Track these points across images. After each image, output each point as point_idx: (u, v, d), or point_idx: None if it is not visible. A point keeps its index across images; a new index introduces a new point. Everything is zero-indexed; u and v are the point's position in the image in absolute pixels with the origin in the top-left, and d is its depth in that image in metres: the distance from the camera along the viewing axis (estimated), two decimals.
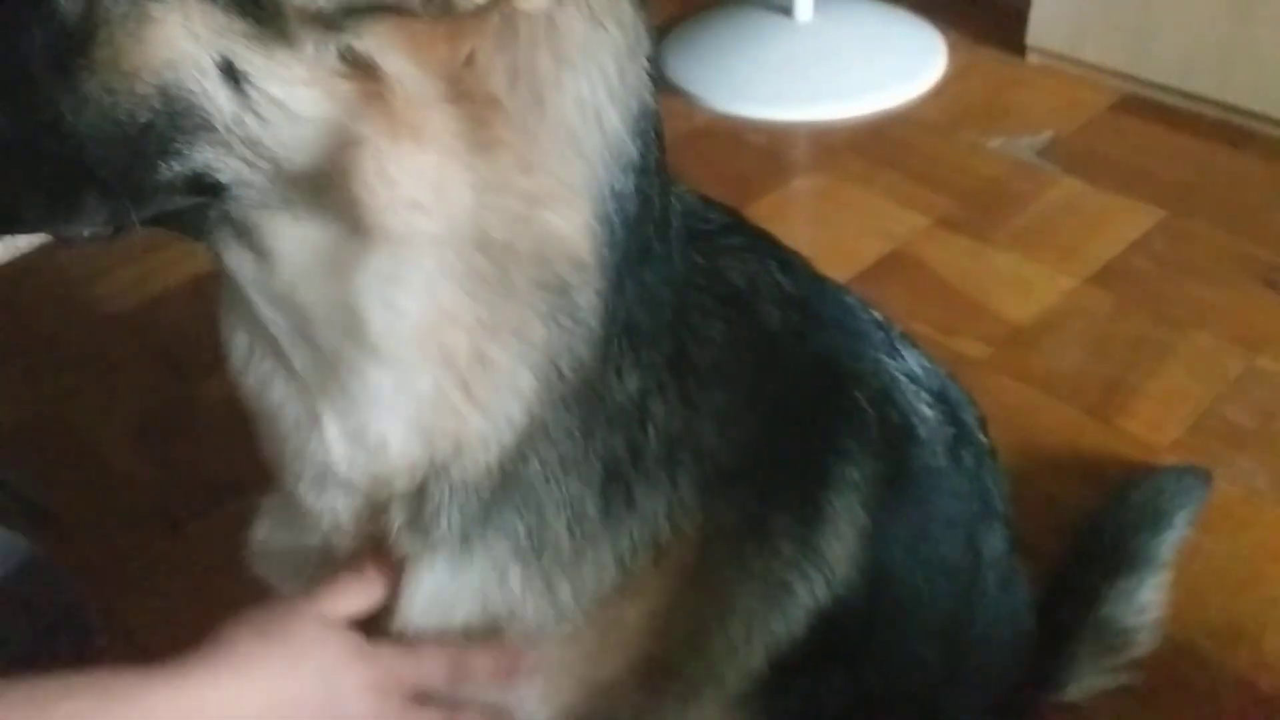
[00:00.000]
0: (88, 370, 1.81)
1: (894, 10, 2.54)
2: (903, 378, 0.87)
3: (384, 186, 0.58)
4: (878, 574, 0.81)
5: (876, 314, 0.93)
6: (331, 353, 0.65)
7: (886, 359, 0.87)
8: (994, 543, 0.95)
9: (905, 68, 2.38)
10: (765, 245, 0.84)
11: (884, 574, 0.82)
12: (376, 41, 0.56)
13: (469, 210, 0.61)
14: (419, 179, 0.58)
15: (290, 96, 0.56)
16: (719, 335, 0.74)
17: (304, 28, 0.55)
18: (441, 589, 0.71)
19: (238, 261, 0.65)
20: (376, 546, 0.72)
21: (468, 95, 0.58)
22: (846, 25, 2.49)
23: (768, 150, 2.20)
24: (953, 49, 2.42)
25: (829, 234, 1.99)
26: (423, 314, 0.63)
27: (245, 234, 0.62)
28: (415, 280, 0.62)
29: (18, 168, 0.58)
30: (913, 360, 0.90)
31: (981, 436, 0.96)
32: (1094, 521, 1.35)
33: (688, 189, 0.80)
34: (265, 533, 0.81)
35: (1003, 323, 1.75)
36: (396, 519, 0.71)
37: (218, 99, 0.55)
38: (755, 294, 0.78)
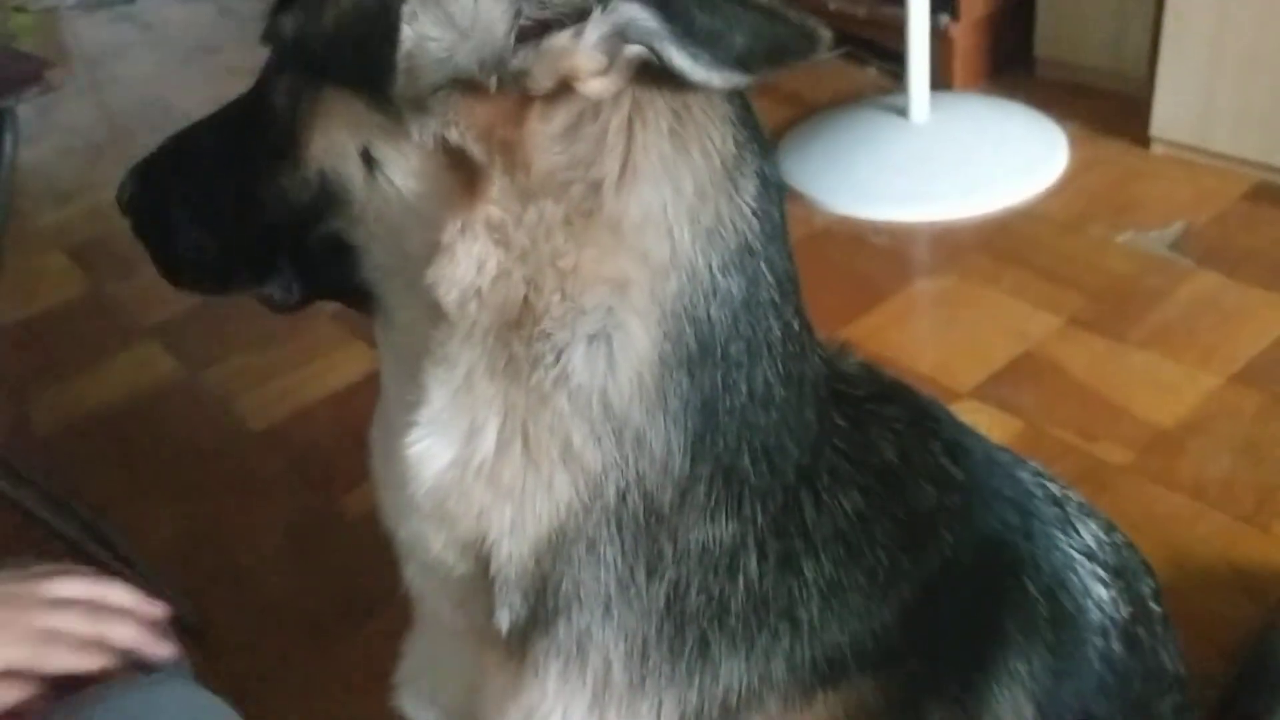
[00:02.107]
0: (233, 487, 1.87)
1: (1011, 105, 2.54)
2: (1078, 556, 0.81)
3: (450, 267, 0.63)
4: None
5: (1054, 486, 0.87)
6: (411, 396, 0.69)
7: (1060, 535, 0.81)
8: (1167, 714, 0.89)
9: (1027, 163, 2.36)
10: (930, 422, 0.78)
11: None
12: (457, 124, 0.61)
13: (510, 299, 0.63)
14: (476, 266, 0.62)
15: (405, 182, 0.63)
16: (850, 506, 0.69)
17: (408, 113, 0.62)
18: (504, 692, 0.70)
19: (378, 327, 0.73)
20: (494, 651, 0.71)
21: (528, 189, 0.61)
22: (963, 123, 2.49)
23: (891, 251, 2.19)
24: (1074, 142, 2.40)
25: (958, 335, 1.97)
26: (458, 389, 0.66)
27: (378, 299, 0.70)
28: (460, 357, 0.65)
29: (239, 238, 0.72)
30: (1089, 534, 0.84)
31: (1156, 607, 0.90)
32: (1259, 640, 1.29)
33: (856, 357, 0.79)
34: (408, 673, 0.83)
35: (1145, 426, 1.70)
36: (484, 611, 0.70)
37: (357, 180, 0.65)
38: (909, 469, 0.73)
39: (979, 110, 2.55)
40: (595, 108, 0.60)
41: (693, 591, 0.66)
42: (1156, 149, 2.33)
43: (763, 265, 0.65)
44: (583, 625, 0.67)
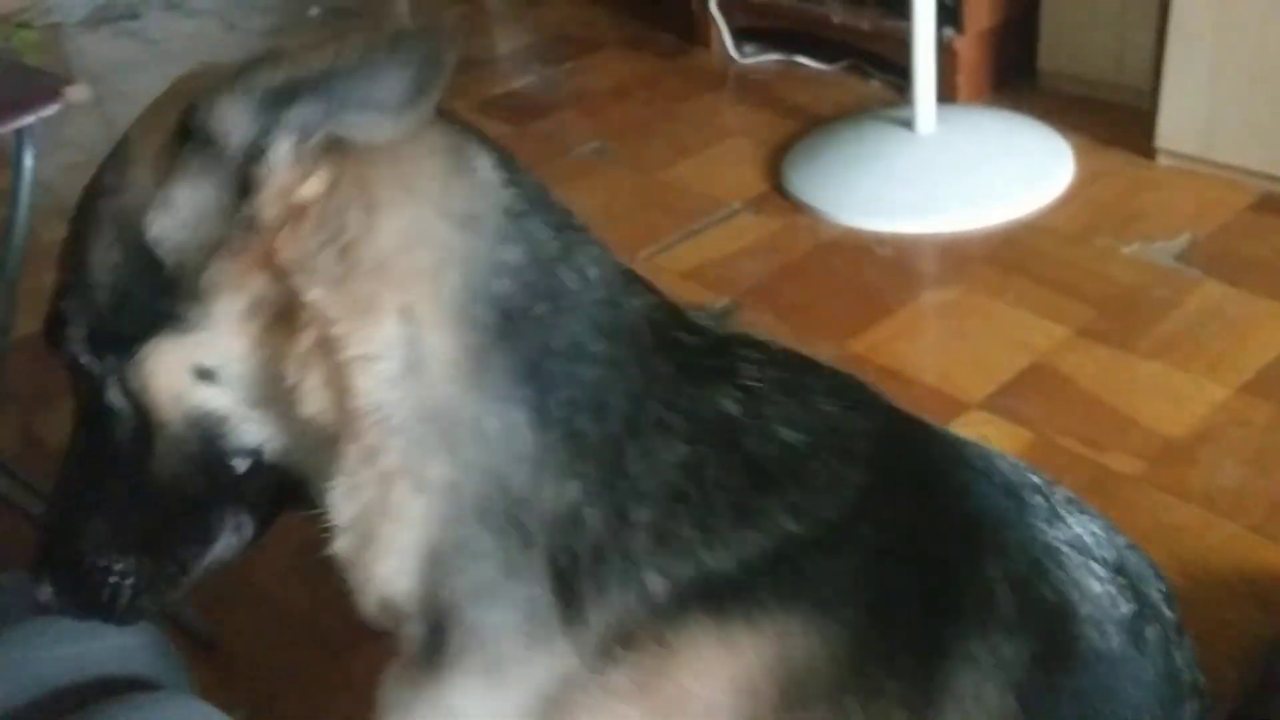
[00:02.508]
0: None
1: (1015, 117, 2.55)
2: (1064, 547, 0.80)
3: (303, 400, 0.68)
4: None
5: (1037, 478, 0.85)
6: None
7: (1042, 525, 0.80)
8: None
9: (1032, 175, 2.37)
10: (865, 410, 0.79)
11: None
12: (252, 282, 0.67)
13: (342, 387, 0.67)
14: (318, 376, 0.68)
15: (241, 369, 0.69)
16: (675, 458, 0.70)
17: (212, 304, 0.67)
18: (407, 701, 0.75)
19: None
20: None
21: (294, 289, 0.67)
22: (969, 135, 2.50)
23: (896, 263, 2.20)
24: (1079, 154, 2.41)
25: (965, 347, 1.97)
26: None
27: (307, 470, 0.74)
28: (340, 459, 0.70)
29: (164, 529, 0.75)
30: (1080, 527, 0.82)
31: (1168, 612, 0.87)
32: (1270, 650, 1.30)
33: (695, 306, 0.79)
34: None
35: (1155, 436, 1.71)
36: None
37: (213, 399, 0.70)
38: (758, 422, 0.73)
39: (984, 123, 2.56)
40: (328, 196, 0.65)
41: (559, 552, 0.69)
42: (1161, 160, 2.33)
43: (533, 226, 0.70)
44: (475, 619, 0.70)
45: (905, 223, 2.27)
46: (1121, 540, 0.88)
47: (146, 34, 4.12)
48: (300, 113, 0.62)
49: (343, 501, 0.71)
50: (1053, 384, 1.84)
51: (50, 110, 1.23)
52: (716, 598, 0.70)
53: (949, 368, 1.93)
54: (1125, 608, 0.81)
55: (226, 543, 0.77)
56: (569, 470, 0.69)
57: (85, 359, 0.71)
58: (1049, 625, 0.77)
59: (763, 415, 0.73)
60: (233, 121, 0.63)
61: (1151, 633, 0.83)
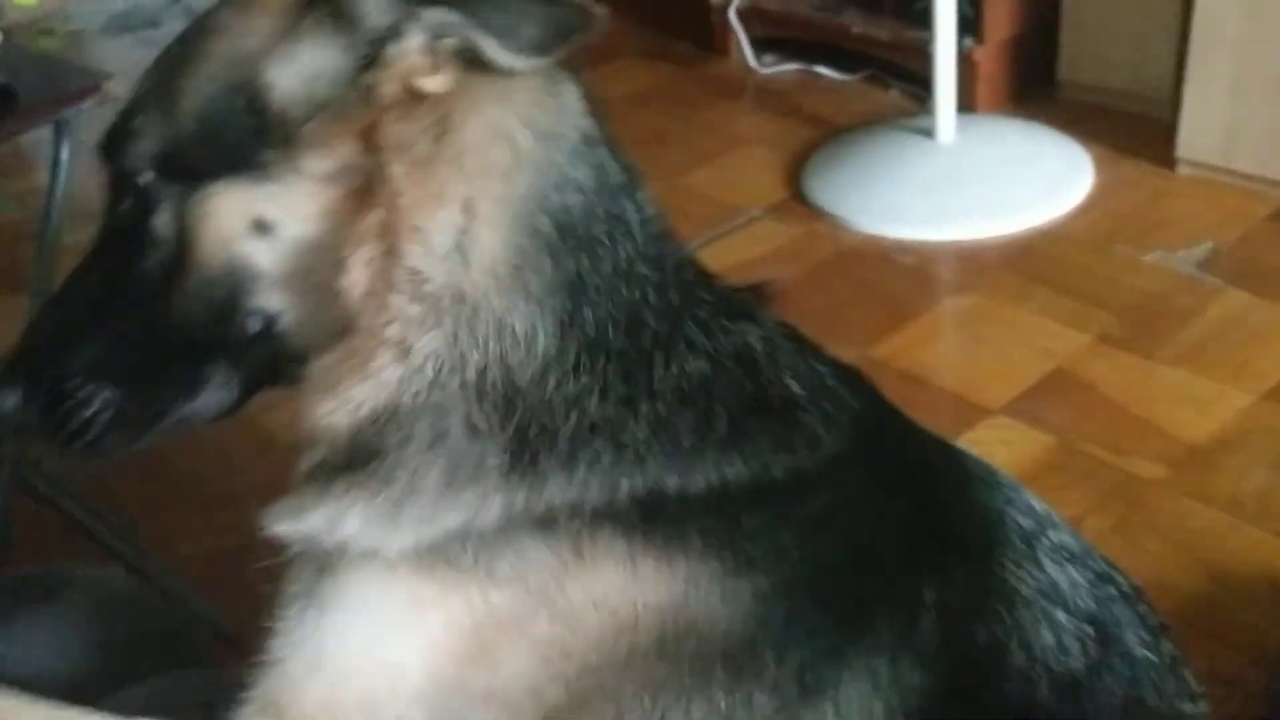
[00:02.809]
0: (265, 498, 1.87)
1: (1036, 127, 2.55)
2: (1026, 592, 0.76)
3: (347, 276, 0.70)
4: None
5: (1038, 512, 0.81)
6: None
7: (1009, 565, 0.77)
8: None
9: (1052, 183, 2.37)
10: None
11: None
12: (345, 147, 0.70)
13: (386, 269, 0.70)
14: (366, 261, 0.70)
15: (303, 229, 0.71)
16: (697, 370, 0.73)
17: (300, 158, 0.70)
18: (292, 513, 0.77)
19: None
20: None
21: (380, 164, 0.70)
22: (989, 144, 2.51)
23: (917, 270, 2.20)
24: (1099, 163, 2.41)
25: (986, 353, 1.98)
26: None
27: (298, 347, 0.75)
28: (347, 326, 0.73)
29: (160, 368, 0.75)
30: (1061, 574, 0.79)
31: (1150, 655, 0.80)
32: None
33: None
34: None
35: (1178, 443, 1.70)
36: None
37: (259, 252, 0.72)
38: (771, 360, 0.76)
39: (1004, 132, 2.57)
40: (443, 93, 0.69)
41: (536, 430, 0.71)
42: (1182, 170, 2.34)
43: (605, 153, 0.74)
44: (396, 462, 0.72)
45: (926, 230, 2.27)
46: (1111, 590, 0.82)
47: (166, 42, 4.15)
48: (439, 15, 0.66)
49: (326, 362, 0.73)
50: (1075, 390, 1.84)
51: (90, 104, 1.24)
52: (653, 520, 0.71)
53: (970, 373, 1.93)
54: (1078, 661, 0.77)
55: (208, 400, 0.77)
56: (584, 371, 0.71)
57: (145, 179, 0.72)
58: (966, 667, 0.74)
59: (776, 361, 0.76)
60: (375, 4, 0.68)
61: (1109, 682, 0.78)
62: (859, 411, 0.78)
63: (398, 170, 0.69)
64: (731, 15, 3.02)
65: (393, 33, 0.67)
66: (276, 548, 0.80)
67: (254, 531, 1.88)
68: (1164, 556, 1.50)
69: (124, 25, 4.30)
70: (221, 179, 0.71)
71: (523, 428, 0.71)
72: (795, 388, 0.76)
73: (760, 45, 3.03)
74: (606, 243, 0.73)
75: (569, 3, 0.67)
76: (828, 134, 2.65)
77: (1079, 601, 0.79)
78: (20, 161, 3.36)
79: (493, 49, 0.66)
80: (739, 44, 3.04)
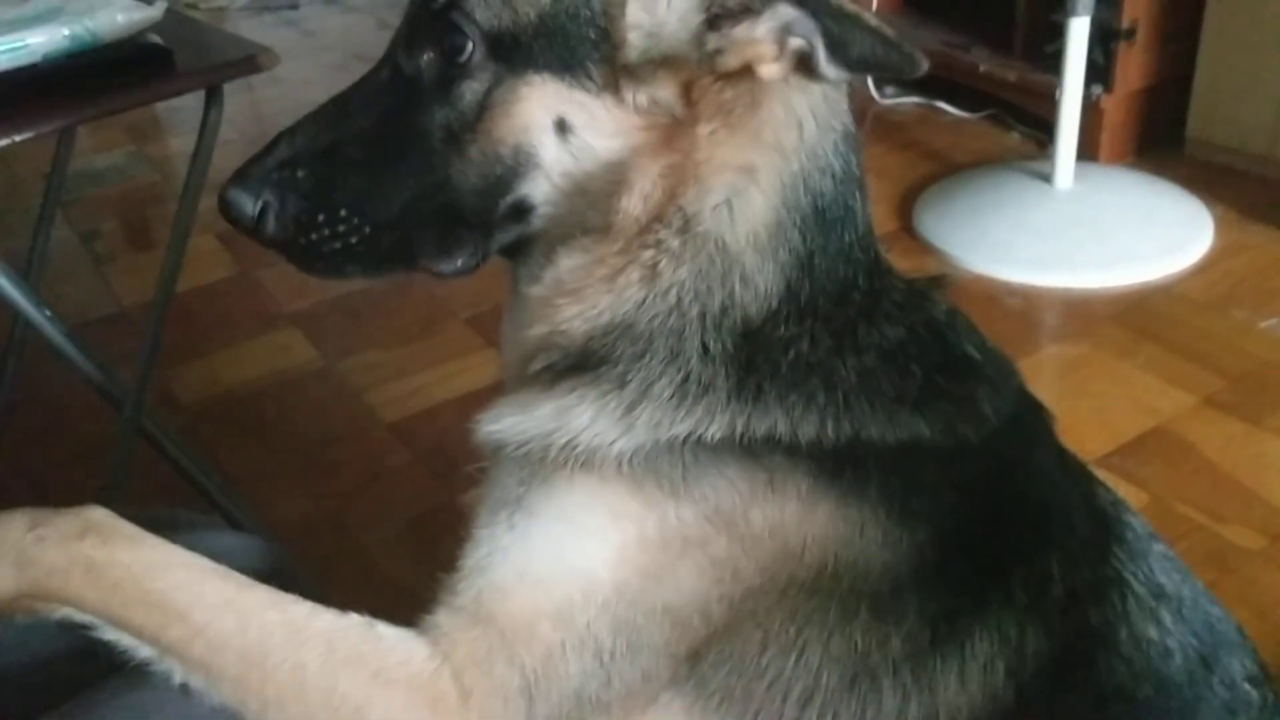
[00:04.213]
0: (361, 473, 1.93)
1: (1158, 182, 2.51)
2: (1139, 588, 0.82)
3: (629, 199, 0.76)
4: None
5: (1139, 524, 0.87)
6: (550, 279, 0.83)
7: (1124, 559, 0.83)
8: None
9: (1169, 240, 2.33)
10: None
11: None
12: (666, 90, 0.75)
13: (660, 204, 0.77)
14: (645, 194, 0.77)
15: (598, 142, 0.76)
16: (895, 334, 0.80)
17: (621, 82, 0.75)
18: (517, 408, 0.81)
19: (526, 267, 0.84)
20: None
21: (693, 118, 0.76)
22: (1107, 194, 2.47)
23: (1023, 314, 2.18)
24: (1221, 224, 2.36)
25: (1086, 404, 1.95)
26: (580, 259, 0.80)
27: (535, 240, 0.82)
28: (598, 246, 0.79)
29: (418, 219, 0.79)
30: (1167, 579, 0.84)
31: (1249, 687, 0.84)
32: None
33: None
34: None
35: (1279, 514, 1.66)
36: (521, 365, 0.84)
37: (549, 147, 0.77)
38: (953, 330, 0.84)
39: (1124, 183, 2.53)
40: (771, 81, 0.75)
41: (759, 357, 0.78)
42: None
43: (853, 149, 0.82)
44: (629, 370, 0.78)
45: (1035, 275, 2.25)
46: (1216, 610, 0.87)
47: (304, 24, 4.28)
48: (794, 13, 0.71)
49: (573, 264, 0.79)
50: (1176, 450, 1.81)
51: (245, 72, 1.29)
52: (843, 465, 0.77)
53: (1069, 422, 1.85)
54: (1180, 669, 0.81)
55: (453, 262, 0.81)
56: (794, 324, 0.78)
57: (471, 50, 0.75)
58: (1080, 642, 0.79)
59: (958, 331, 0.85)
60: None
61: (1208, 699, 0.82)
62: (1022, 388, 0.87)
63: (704, 129, 0.76)
64: None
65: (749, 11, 0.72)
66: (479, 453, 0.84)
67: (344, 500, 1.94)
68: (1252, 627, 1.45)
69: (265, 6, 4.44)
70: (545, 72, 0.75)
71: (751, 356, 0.77)
72: (976, 354, 0.85)
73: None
74: (839, 228, 0.80)
75: (902, 47, 0.71)
76: (943, 170, 2.64)
77: (1184, 612, 0.84)
78: (156, 128, 3.49)
79: (824, 62, 0.72)
80: None
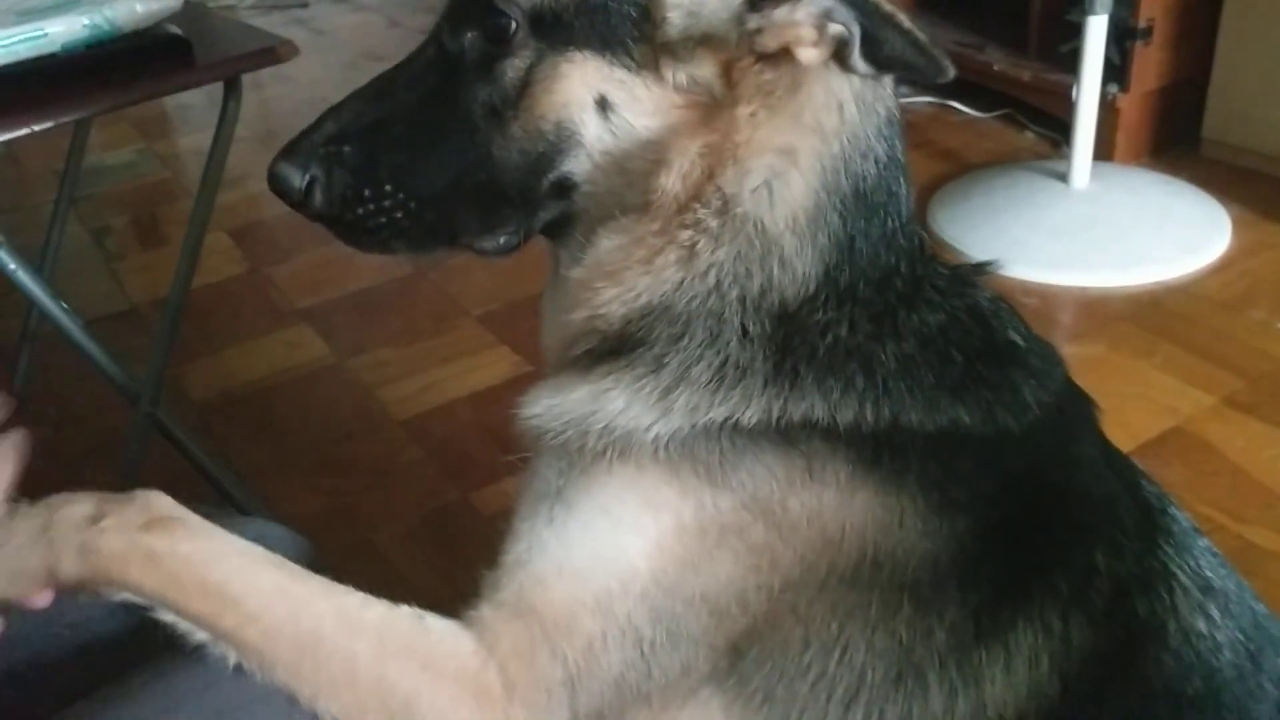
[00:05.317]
0: (373, 470, 1.92)
1: (1174, 182, 2.50)
2: (1185, 581, 0.81)
3: (667, 178, 0.76)
4: None
5: (1184, 518, 0.86)
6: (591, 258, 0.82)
7: (1171, 552, 0.81)
8: None
9: (1186, 240, 2.32)
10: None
11: None
12: (706, 69, 0.75)
13: (698, 183, 0.76)
14: (684, 174, 0.76)
15: (638, 120, 0.76)
16: (935, 321, 0.80)
17: (661, 61, 0.75)
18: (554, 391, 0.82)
19: (559, 236, 0.84)
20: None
21: (733, 99, 0.75)
22: (1123, 194, 2.46)
23: (1039, 313, 2.17)
24: (1239, 225, 2.35)
25: (1106, 404, 1.91)
26: (619, 241, 0.79)
27: (574, 219, 0.82)
28: (637, 226, 0.79)
29: (462, 196, 0.79)
30: (1213, 573, 0.83)
31: (1273, 689, 0.83)
32: None
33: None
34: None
35: None
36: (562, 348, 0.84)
37: (591, 125, 0.77)
38: (997, 317, 0.83)
39: (1140, 183, 2.52)
40: (811, 65, 0.75)
41: (797, 339, 0.78)
42: None
43: (897, 134, 0.81)
44: (666, 353, 0.78)
45: (1051, 274, 2.24)
46: (1261, 607, 0.87)
47: (314, 23, 4.28)
48: (834, 4, 0.72)
49: (612, 245, 0.79)
50: (1196, 450, 1.80)
51: (263, 63, 1.29)
52: (882, 452, 0.76)
53: None
54: (1229, 664, 0.80)
55: (496, 240, 0.81)
56: (832, 308, 0.78)
57: (513, 28, 0.76)
58: (1128, 637, 0.78)
59: (1001, 317, 0.84)
60: None
61: (1258, 696, 0.81)
62: (1066, 377, 0.85)
63: (744, 110, 0.75)
64: None
65: None
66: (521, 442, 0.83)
67: (355, 497, 1.93)
68: None
69: (274, 4, 4.44)
70: (586, 50, 0.75)
71: (788, 339, 0.77)
72: (1019, 339, 0.83)
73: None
74: (881, 213, 0.79)
75: (932, 52, 0.72)
76: (958, 169, 2.63)
77: (1231, 608, 0.83)
78: (166, 126, 3.49)
79: (855, 55, 0.73)
80: None
